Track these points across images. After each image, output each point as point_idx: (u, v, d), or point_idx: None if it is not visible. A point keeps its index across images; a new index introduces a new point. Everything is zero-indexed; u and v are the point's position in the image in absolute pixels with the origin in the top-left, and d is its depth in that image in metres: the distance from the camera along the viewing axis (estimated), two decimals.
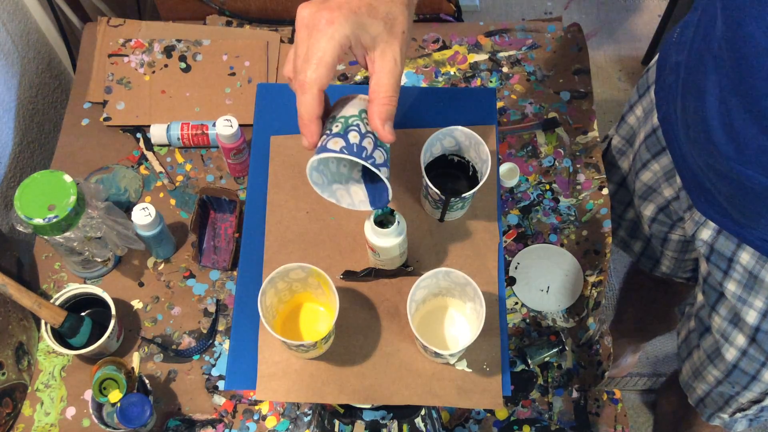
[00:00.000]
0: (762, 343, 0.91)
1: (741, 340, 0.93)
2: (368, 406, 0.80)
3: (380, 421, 0.80)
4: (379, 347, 0.81)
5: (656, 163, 1.00)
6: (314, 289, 0.81)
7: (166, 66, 1.20)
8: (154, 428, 0.97)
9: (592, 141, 1.16)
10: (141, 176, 1.13)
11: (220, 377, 1.00)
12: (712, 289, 0.95)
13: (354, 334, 0.81)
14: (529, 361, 1.00)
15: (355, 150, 0.65)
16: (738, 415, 1.07)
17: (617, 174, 1.14)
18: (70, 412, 0.98)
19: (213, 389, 1.00)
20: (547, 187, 1.12)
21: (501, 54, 1.24)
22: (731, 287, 0.90)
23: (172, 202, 1.12)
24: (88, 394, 0.99)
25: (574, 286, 1.06)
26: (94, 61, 1.21)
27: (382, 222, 0.77)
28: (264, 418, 0.98)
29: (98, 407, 0.95)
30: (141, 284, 1.06)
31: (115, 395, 0.91)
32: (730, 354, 0.96)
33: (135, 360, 1.00)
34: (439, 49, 1.24)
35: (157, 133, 1.13)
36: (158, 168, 1.14)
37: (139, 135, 1.17)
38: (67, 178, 0.92)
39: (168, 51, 1.21)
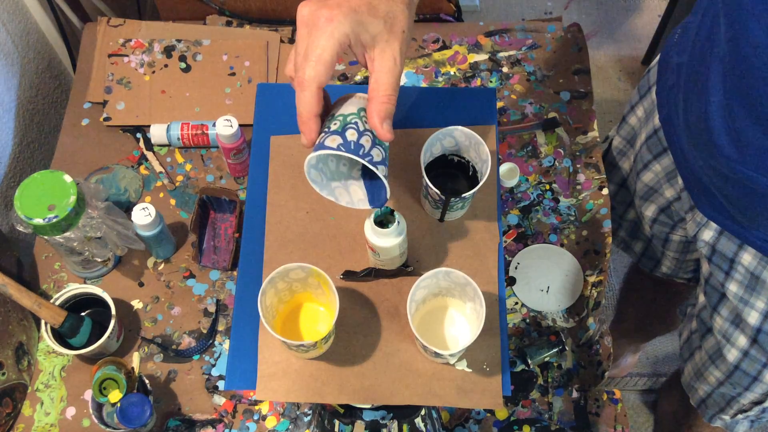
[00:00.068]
0: (763, 344, 0.91)
1: (742, 341, 0.93)
2: (368, 406, 0.80)
3: (380, 421, 0.80)
4: (379, 347, 0.81)
5: (657, 164, 1.00)
6: (314, 289, 0.81)
7: (166, 66, 1.20)
8: (154, 428, 0.97)
9: (592, 141, 1.16)
10: (141, 176, 1.13)
11: (220, 377, 1.00)
12: (714, 290, 0.95)
13: (354, 334, 0.81)
14: (529, 361, 1.00)
15: (352, 147, 0.65)
16: (739, 416, 1.07)
17: (618, 174, 1.14)
18: (70, 412, 0.98)
19: (213, 389, 1.00)
20: (547, 187, 1.12)
21: (501, 54, 1.24)
22: (733, 288, 0.90)
23: (172, 202, 1.12)
24: (88, 394, 0.99)
25: (574, 286, 1.06)
26: (94, 61, 1.21)
27: (382, 222, 0.77)
28: (264, 418, 0.98)
29: (98, 407, 0.95)
30: (141, 284, 1.06)
31: (115, 395, 0.91)
32: (732, 355, 0.96)
33: (135, 360, 1.00)
34: (439, 49, 1.24)
35: (157, 133, 1.13)
36: (158, 168, 1.14)
37: (139, 135, 1.17)
38: (67, 178, 0.92)
39: (168, 51, 1.21)
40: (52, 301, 0.96)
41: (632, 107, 1.06)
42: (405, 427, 0.81)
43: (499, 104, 1.19)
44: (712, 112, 0.75)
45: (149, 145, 1.16)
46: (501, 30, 1.26)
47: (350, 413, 0.81)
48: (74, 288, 0.99)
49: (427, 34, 1.26)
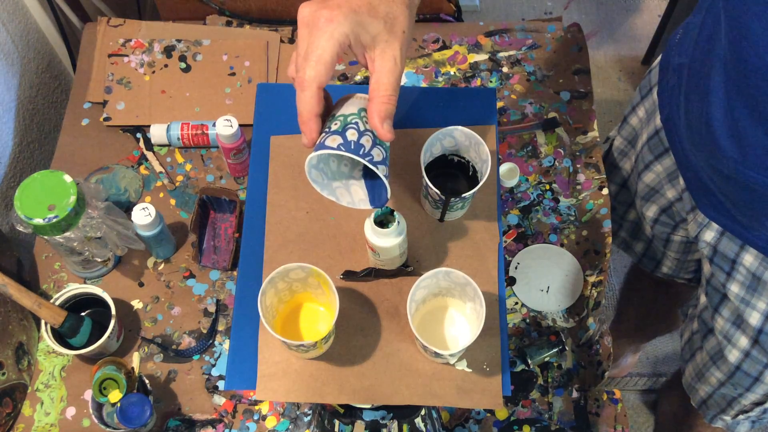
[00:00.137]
0: (765, 344, 0.91)
1: (744, 341, 0.93)
2: (368, 406, 0.80)
3: (380, 421, 0.80)
4: (379, 347, 0.81)
5: (659, 165, 1.00)
6: (314, 289, 0.81)
7: (166, 66, 1.20)
8: (154, 428, 0.97)
9: (592, 141, 1.16)
10: (141, 176, 1.13)
11: (220, 377, 1.00)
12: (715, 291, 0.95)
13: (354, 334, 0.81)
14: (529, 361, 1.00)
15: (352, 147, 0.66)
16: (741, 417, 1.07)
17: (619, 175, 1.14)
18: (70, 412, 0.98)
19: (213, 389, 1.00)
20: (547, 187, 1.12)
21: (501, 54, 1.24)
22: (734, 289, 0.90)
23: (172, 202, 1.12)
24: (88, 394, 0.99)
25: (574, 286, 1.06)
26: (94, 61, 1.21)
27: (382, 222, 0.77)
28: (264, 418, 0.98)
29: (98, 407, 0.95)
30: (141, 284, 1.06)
31: (115, 395, 0.91)
32: (733, 356, 0.96)
33: (135, 360, 1.00)
34: (439, 49, 1.24)
35: (157, 133, 1.13)
36: (158, 168, 1.14)
37: (139, 135, 1.17)
38: (67, 178, 0.92)
39: (168, 51, 1.21)
40: (52, 301, 0.96)
41: (633, 108, 1.06)
42: (405, 427, 0.81)
43: (499, 104, 1.19)
44: (713, 112, 0.75)
45: (149, 145, 1.16)
46: (501, 30, 1.26)
47: (350, 413, 0.81)
48: (74, 288, 0.99)
49: (427, 34, 1.26)
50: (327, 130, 0.68)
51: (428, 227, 0.87)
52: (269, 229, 0.86)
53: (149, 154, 1.15)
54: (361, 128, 0.67)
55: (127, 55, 1.21)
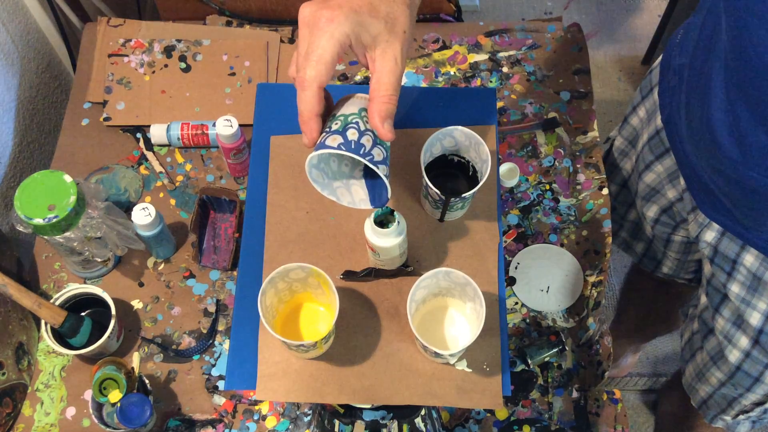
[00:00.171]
0: (765, 345, 0.91)
1: (744, 342, 0.93)
2: (368, 406, 0.80)
3: (380, 421, 0.80)
4: (379, 347, 0.81)
5: (660, 165, 1.00)
6: (314, 289, 0.81)
7: (166, 66, 1.20)
8: (154, 428, 0.97)
9: (592, 141, 1.16)
10: (141, 176, 1.13)
11: (220, 377, 1.00)
12: (716, 291, 0.95)
13: (354, 334, 0.81)
14: (529, 361, 1.00)
15: (353, 147, 0.66)
16: (741, 417, 1.07)
17: (620, 175, 1.14)
18: (70, 412, 0.98)
19: (213, 389, 1.00)
20: (547, 187, 1.12)
21: (501, 54, 1.24)
22: (735, 289, 0.90)
23: (172, 202, 1.12)
24: (88, 394, 0.99)
25: (574, 286, 1.06)
26: (94, 61, 1.21)
27: (382, 222, 0.77)
28: (264, 418, 0.98)
29: (98, 407, 0.95)
30: (141, 284, 1.06)
31: (115, 395, 0.91)
32: (734, 356, 0.96)
33: (135, 360, 1.00)
34: (439, 49, 1.24)
35: (157, 133, 1.13)
36: (158, 168, 1.14)
37: (139, 135, 1.17)
38: (67, 178, 0.92)
39: (168, 51, 1.21)
40: (52, 301, 0.96)
41: (634, 108, 1.06)
42: (405, 427, 0.81)
43: (499, 104, 1.19)
44: (714, 113, 0.75)
45: (149, 145, 1.16)
46: (501, 30, 1.26)
47: (350, 413, 0.81)
48: (74, 288, 0.99)
49: (427, 34, 1.26)
50: (328, 129, 0.68)
51: (428, 227, 0.87)
52: (269, 229, 0.86)
53: (149, 154, 1.15)
54: (362, 128, 0.67)
55: (127, 55, 1.21)
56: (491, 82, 1.21)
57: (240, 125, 1.06)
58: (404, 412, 0.81)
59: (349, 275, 0.84)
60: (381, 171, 0.67)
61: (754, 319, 0.89)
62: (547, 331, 1.03)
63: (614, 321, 1.72)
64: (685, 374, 1.13)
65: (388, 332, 0.82)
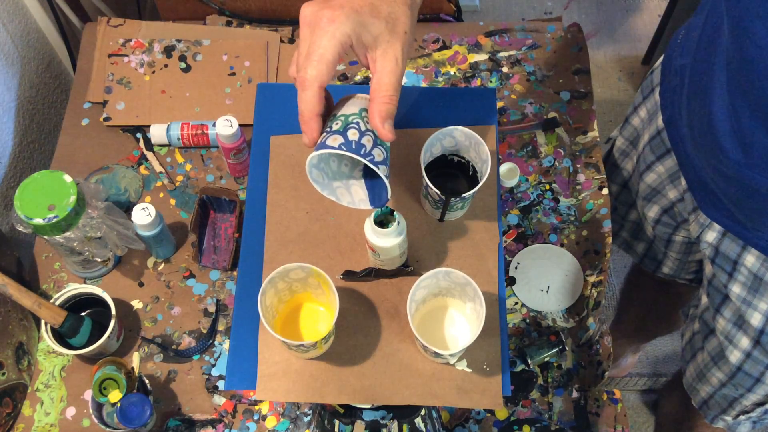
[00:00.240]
0: (766, 345, 0.91)
1: (745, 342, 0.93)
2: (368, 406, 0.80)
3: (380, 421, 0.80)
4: (379, 347, 0.81)
5: (661, 165, 1.00)
6: (314, 289, 0.81)
7: (166, 66, 1.20)
8: (154, 428, 0.97)
9: (592, 141, 1.16)
10: (141, 176, 1.13)
11: (220, 377, 1.00)
12: (717, 292, 0.95)
13: (354, 334, 0.81)
14: (529, 361, 1.00)
15: (353, 147, 0.66)
16: (741, 417, 1.07)
17: (620, 175, 1.14)
18: (70, 412, 0.98)
19: (213, 389, 1.00)
20: (547, 187, 1.12)
21: (501, 54, 1.24)
22: (736, 290, 0.90)
23: (172, 202, 1.12)
24: (88, 394, 0.99)
25: (574, 286, 1.06)
26: (94, 61, 1.21)
27: (382, 222, 0.77)
28: (264, 418, 0.98)
29: (98, 407, 0.95)
30: (141, 284, 1.06)
31: (115, 395, 0.91)
32: (734, 356, 0.96)
33: (135, 360, 1.00)
34: (439, 49, 1.24)
35: (157, 133, 1.13)
36: (158, 168, 1.14)
37: (139, 135, 1.17)
38: (67, 178, 0.92)
39: (168, 51, 1.21)
40: (52, 301, 0.96)
41: (635, 108, 1.06)
42: (405, 427, 0.81)
43: (499, 104, 1.19)
44: (716, 113, 0.75)
45: (149, 145, 1.16)
46: (501, 30, 1.26)
47: (350, 413, 0.81)
48: (74, 288, 0.99)
49: (427, 34, 1.26)
50: (328, 129, 0.68)
51: (428, 227, 0.87)
52: (269, 229, 0.86)
53: (149, 154, 1.15)
54: (363, 128, 0.67)
55: (127, 55, 1.21)
56: (491, 82, 1.21)
57: (240, 125, 1.06)
58: (404, 412, 0.81)
59: (349, 275, 0.84)
60: (381, 171, 0.67)
61: (755, 319, 0.89)
62: (547, 331, 1.03)
63: (614, 321, 1.72)
64: (686, 374, 1.13)
65: (388, 332, 0.82)
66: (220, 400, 0.99)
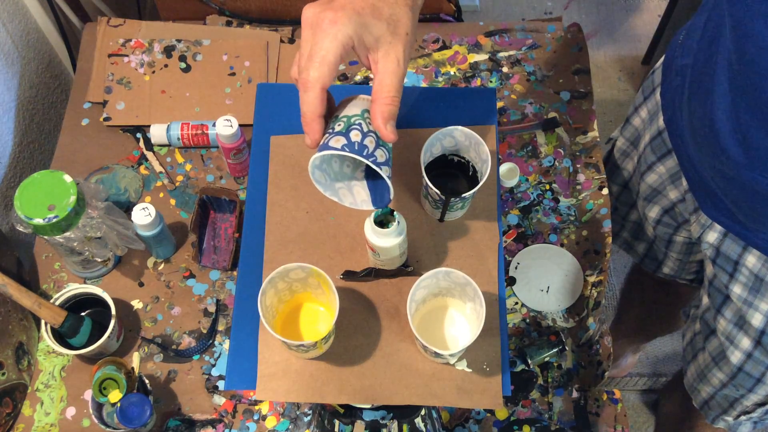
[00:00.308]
0: (767, 346, 0.91)
1: (746, 343, 0.93)
2: (368, 406, 0.80)
3: (380, 421, 0.80)
4: (379, 347, 0.81)
5: (662, 166, 1.00)
6: (314, 289, 0.81)
7: (166, 66, 1.20)
8: (154, 428, 0.97)
9: (592, 141, 1.16)
10: (141, 176, 1.13)
11: (220, 377, 1.00)
12: (718, 292, 0.95)
13: (354, 334, 0.81)
14: (529, 361, 1.00)
15: (356, 148, 0.66)
16: (742, 417, 1.07)
17: (621, 176, 1.14)
18: (70, 412, 0.98)
19: (213, 389, 1.00)
20: (547, 187, 1.12)
21: (501, 54, 1.24)
22: (737, 290, 0.90)
23: (172, 202, 1.12)
24: (88, 394, 0.99)
25: (574, 286, 1.06)
26: (94, 61, 1.21)
27: (382, 222, 0.77)
28: (264, 418, 0.98)
29: (98, 407, 0.95)
30: (141, 284, 1.06)
31: (115, 395, 0.91)
32: (735, 357, 0.96)
33: (135, 360, 1.00)
34: (439, 49, 1.24)
35: (157, 133, 1.13)
36: (158, 168, 1.14)
37: (139, 135, 1.17)
38: (67, 178, 0.92)
39: (168, 51, 1.21)
40: (52, 301, 0.96)
41: (636, 108, 1.06)
42: (405, 427, 0.81)
43: (499, 104, 1.19)
44: (717, 114, 0.75)
45: (149, 145, 1.16)
46: (501, 30, 1.26)
47: (350, 413, 0.81)
48: (74, 288, 0.99)
49: (427, 34, 1.26)
50: (330, 131, 0.68)
51: (428, 227, 0.87)
52: (269, 229, 0.86)
53: (149, 154, 1.15)
54: (365, 129, 0.67)
55: (127, 55, 1.21)
56: (491, 82, 1.21)
57: (240, 125, 1.06)
58: (404, 412, 0.81)
59: (349, 275, 0.84)
60: (384, 172, 0.67)
61: (756, 320, 0.89)
62: (547, 331, 1.03)
63: (614, 321, 1.72)
64: (687, 375, 1.13)
65: (388, 332, 0.82)
66: (220, 400, 0.99)
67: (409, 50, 0.67)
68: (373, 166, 0.66)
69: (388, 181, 0.68)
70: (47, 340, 0.96)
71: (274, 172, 0.89)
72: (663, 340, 1.85)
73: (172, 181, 1.13)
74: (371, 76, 1.21)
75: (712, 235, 0.91)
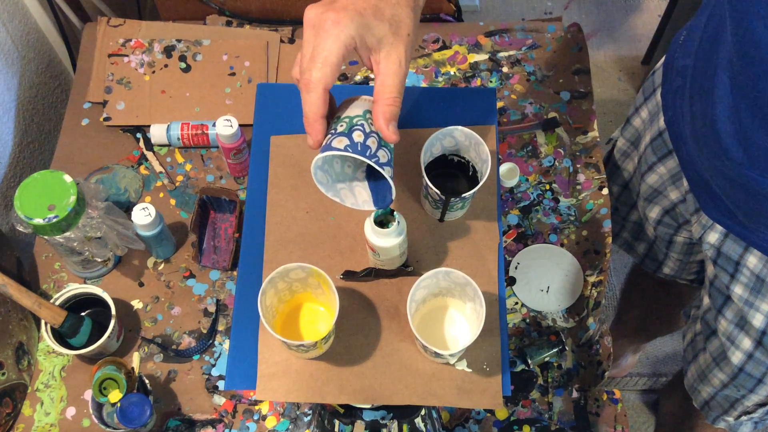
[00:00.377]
0: None
1: (747, 343, 0.93)
2: (368, 406, 0.80)
3: (380, 421, 0.80)
4: (379, 347, 0.81)
5: (662, 166, 1.00)
6: (314, 289, 0.81)
7: (166, 66, 1.20)
8: (154, 428, 0.97)
9: (592, 141, 1.16)
10: (141, 176, 1.13)
11: (220, 377, 1.00)
12: (719, 293, 0.95)
13: (354, 334, 0.81)
14: (529, 361, 1.00)
15: (359, 148, 0.66)
16: (743, 418, 1.07)
17: (621, 176, 1.14)
18: (70, 412, 0.98)
19: (213, 389, 1.00)
20: (547, 187, 1.12)
21: (501, 54, 1.24)
22: (738, 291, 0.90)
23: (172, 202, 1.12)
24: (88, 394, 0.99)
25: (574, 286, 1.06)
26: (94, 61, 1.21)
27: (382, 222, 0.77)
28: (264, 418, 0.98)
29: (98, 407, 0.95)
30: (141, 284, 1.06)
31: (115, 395, 0.91)
32: (736, 357, 0.96)
33: (135, 360, 1.00)
34: (439, 49, 1.24)
35: (157, 133, 1.13)
36: (158, 168, 1.14)
37: (139, 135, 1.17)
38: (67, 178, 0.92)
39: (168, 51, 1.21)
40: (52, 301, 0.96)
41: (636, 109, 1.06)
42: (405, 427, 0.81)
43: (499, 104, 1.19)
44: (719, 115, 0.75)
45: (149, 145, 1.16)
46: (501, 30, 1.26)
47: (350, 413, 0.81)
48: (74, 288, 0.99)
49: (427, 34, 1.26)
50: (333, 131, 0.68)
51: (428, 227, 0.87)
52: (269, 229, 0.86)
53: (149, 154, 1.15)
54: (367, 130, 0.67)
55: (127, 55, 1.21)
56: (491, 82, 1.21)
57: (240, 125, 1.06)
58: (404, 412, 0.81)
59: (349, 275, 0.84)
60: (386, 173, 0.67)
61: (757, 320, 0.89)
62: (547, 331, 1.03)
63: (615, 321, 1.72)
64: (687, 375, 1.12)
65: (388, 332, 0.82)
66: (220, 400, 0.99)
67: (410, 51, 0.67)
68: (376, 167, 0.66)
69: (391, 182, 0.68)
70: (47, 340, 0.96)
71: (274, 172, 0.89)
72: (663, 340, 1.85)
73: (172, 181, 1.13)
74: (372, 76, 1.21)
75: (713, 236, 0.90)
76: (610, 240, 1.08)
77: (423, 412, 0.82)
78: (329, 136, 0.68)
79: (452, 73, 1.22)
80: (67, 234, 0.93)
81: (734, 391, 1.01)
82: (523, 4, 2.31)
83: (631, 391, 1.83)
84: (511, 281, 1.06)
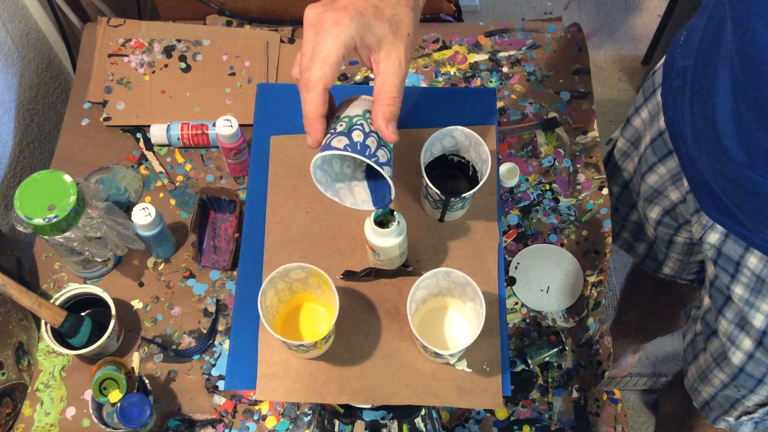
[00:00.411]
0: None
1: (748, 343, 0.93)
2: (368, 406, 0.80)
3: (380, 421, 0.80)
4: (379, 347, 0.81)
5: (663, 166, 1.00)
6: (314, 289, 0.81)
7: (166, 66, 1.20)
8: (154, 428, 0.97)
9: (592, 141, 1.16)
10: (141, 176, 1.13)
11: (220, 377, 1.00)
12: (719, 293, 0.94)
13: (354, 334, 0.81)
14: (529, 361, 1.00)
15: (358, 148, 0.66)
16: (744, 418, 1.07)
17: (621, 176, 1.14)
18: (70, 412, 0.98)
19: (213, 389, 1.00)
20: (547, 187, 1.12)
21: (501, 54, 1.24)
22: (738, 291, 0.90)
23: (172, 202, 1.12)
24: (88, 394, 0.99)
25: (574, 286, 1.06)
26: (94, 61, 1.21)
27: (382, 222, 0.77)
28: (264, 418, 0.98)
29: (98, 407, 0.95)
30: (141, 284, 1.06)
31: (115, 395, 0.91)
32: (737, 357, 0.96)
33: (135, 360, 1.00)
34: (439, 49, 1.24)
35: (157, 133, 1.13)
36: (158, 168, 1.14)
37: (139, 135, 1.17)
38: (67, 178, 0.92)
39: (168, 51, 1.21)
40: (52, 301, 0.96)
41: (637, 109, 1.06)
42: (405, 427, 0.81)
43: (499, 104, 1.19)
44: (719, 115, 0.75)
45: (149, 145, 1.16)
46: (501, 30, 1.26)
47: (350, 413, 0.81)
48: (74, 288, 0.99)
49: (427, 34, 1.26)
50: (332, 131, 0.68)
51: (428, 227, 0.87)
52: (269, 229, 0.86)
53: (149, 154, 1.15)
54: (367, 130, 0.67)
55: (127, 55, 1.21)
56: (491, 82, 1.21)
57: (240, 125, 1.06)
58: (404, 412, 0.81)
59: (349, 275, 0.84)
60: (386, 173, 0.67)
61: (758, 321, 0.89)
62: (547, 331, 1.03)
63: (615, 321, 1.72)
64: (688, 375, 1.12)
65: (388, 332, 0.82)
66: (220, 400, 0.99)
67: (410, 51, 0.67)
68: (376, 167, 0.66)
69: (390, 182, 0.68)
70: (47, 340, 0.96)
71: (274, 172, 0.89)
72: (663, 340, 1.85)
73: (172, 181, 1.13)
74: (371, 75, 1.21)
75: (714, 236, 0.90)
76: (610, 240, 1.08)
77: (423, 412, 0.82)
78: (329, 135, 0.68)
79: (452, 73, 1.22)
80: (67, 234, 0.93)
81: (735, 391, 1.01)
82: (523, 4, 2.31)
83: (631, 391, 1.83)
84: (511, 281, 1.06)
